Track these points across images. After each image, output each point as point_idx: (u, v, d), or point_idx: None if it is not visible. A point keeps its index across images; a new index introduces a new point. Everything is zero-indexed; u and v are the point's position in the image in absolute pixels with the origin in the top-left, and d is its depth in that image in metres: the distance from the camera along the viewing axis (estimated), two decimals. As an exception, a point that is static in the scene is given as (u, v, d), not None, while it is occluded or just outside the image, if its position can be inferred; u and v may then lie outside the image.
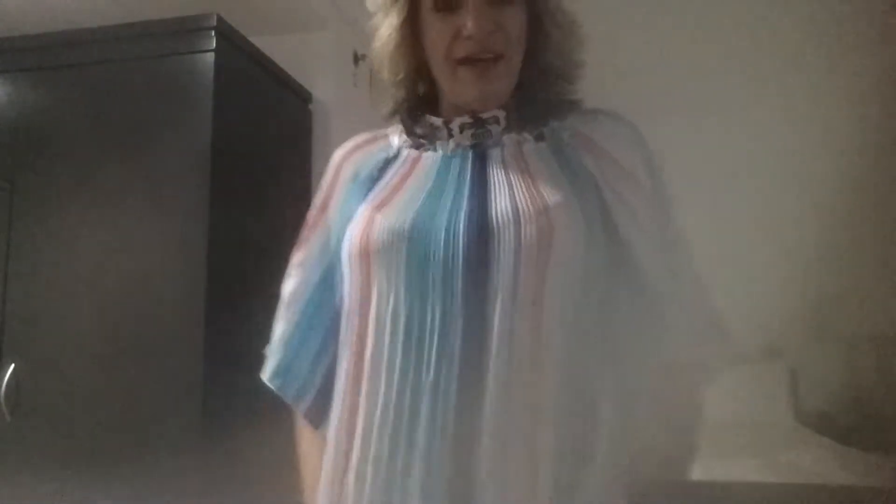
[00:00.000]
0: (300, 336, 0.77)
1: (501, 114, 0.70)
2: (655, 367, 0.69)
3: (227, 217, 1.50)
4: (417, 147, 0.74)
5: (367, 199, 0.70)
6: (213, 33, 1.49)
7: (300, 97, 1.98)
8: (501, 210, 0.63)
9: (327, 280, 0.75)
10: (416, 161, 0.72)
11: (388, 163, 0.74)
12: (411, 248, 0.63)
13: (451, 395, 0.59)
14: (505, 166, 0.68)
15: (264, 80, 1.78)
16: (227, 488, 1.45)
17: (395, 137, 0.77)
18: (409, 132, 0.75)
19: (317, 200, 0.80)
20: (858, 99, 2.76)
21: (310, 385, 0.77)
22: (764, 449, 2.33)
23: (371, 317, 0.64)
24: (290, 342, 0.78)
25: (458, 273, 0.61)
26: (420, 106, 0.75)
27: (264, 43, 1.76)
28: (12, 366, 1.46)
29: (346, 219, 0.70)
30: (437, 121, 0.72)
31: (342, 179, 0.77)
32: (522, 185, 0.65)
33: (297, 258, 0.81)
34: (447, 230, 0.62)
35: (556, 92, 0.72)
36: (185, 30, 1.52)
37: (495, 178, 0.66)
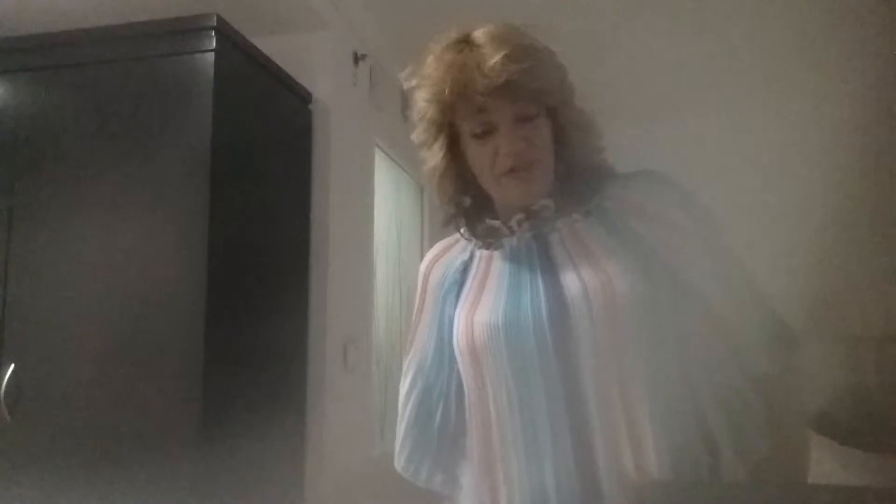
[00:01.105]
0: (419, 431, 0.91)
1: (549, 202, 0.80)
2: (750, 380, 0.76)
3: (227, 217, 1.50)
4: (487, 247, 0.86)
5: (460, 302, 0.84)
6: (213, 33, 1.49)
7: (300, 97, 1.98)
8: (572, 288, 0.74)
9: (435, 377, 0.89)
10: (489, 261, 0.85)
11: (466, 266, 0.87)
12: (508, 341, 0.75)
13: (565, 436, 0.73)
14: (565, 248, 0.79)
15: (264, 80, 1.78)
16: (227, 489, 1.45)
17: (465, 241, 0.90)
18: (475, 237, 0.87)
19: (416, 309, 0.94)
20: (858, 99, 2.76)
21: (436, 469, 0.90)
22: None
23: (490, 404, 0.78)
24: (411, 438, 0.92)
25: (550, 352, 0.74)
26: (476, 212, 0.87)
27: (264, 43, 1.76)
28: (12, 366, 1.46)
29: (443, 320, 0.86)
30: (496, 223, 0.84)
31: (431, 286, 0.91)
32: (584, 261, 0.76)
33: (407, 362, 0.94)
34: (533, 318, 0.75)
35: (587, 172, 0.83)
36: (185, 30, 1.52)
37: (560, 261, 0.78)
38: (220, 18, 1.51)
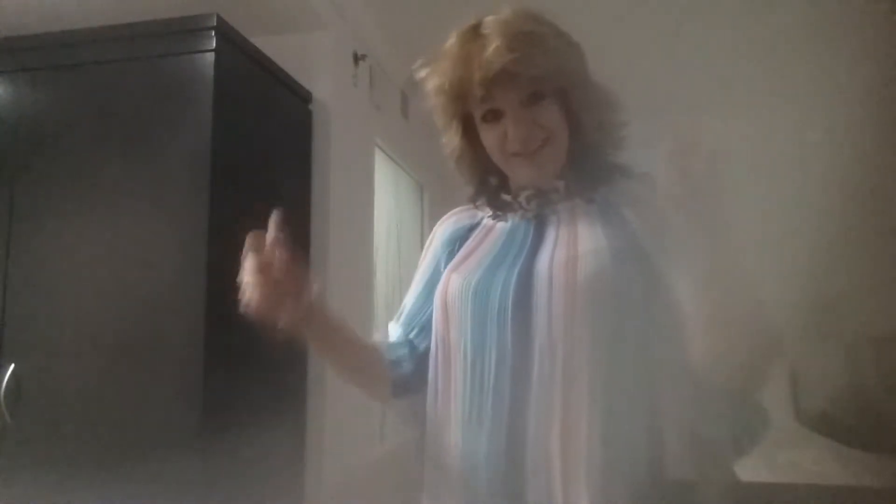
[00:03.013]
0: (406, 330, 0.94)
1: (560, 184, 0.83)
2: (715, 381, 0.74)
3: (227, 217, 1.50)
4: (494, 218, 0.89)
5: (451, 261, 0.87)
6: (213, 33, 1.49)
7: (300, 97, 1.98)
8: (541, 263, 0.76)
9: (425, 307, 0.92)
10: (490, 230, 0.88)
11: (471, 229, 0.91)
12: (474, 302, 0.78)
13: (505, 401, 0.74)
14: (557, 229, 0.81)
15: (264, 80, 1.78)
16: (227, 489, 1.45)
17: (478, 210, 0.93)
18: (494, 209, 0.90)
19: (420, 261, 0.98)
20: (859, 99, 2.76)
21: (406, 363, 0.91)
22: (763, 449, 2.32)
23: (451, 356, 0.81)
24: (403, 329, 0.95)
25: (507, 318, 0.75)
26: (497, 190, 0.90)
27: (264, 43, 1.76)
28: (12, 366, 1.46)
29: (434, 277, 0.90)
30: (507, 197, 0.87)
31: (435, 242, 0.96)
32: (564, 241, 0.78)
33: (413, 282, 0.98)
34: (502, 285, 0.77)
35: (603, 158, 0.84)
36: (185, 30, 1.51)
37: (548, 242, 0.80)
38: (220, 18, 1.51)
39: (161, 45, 1.53)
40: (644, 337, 0.72)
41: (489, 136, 0.81)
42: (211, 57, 1.48)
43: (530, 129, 0.77)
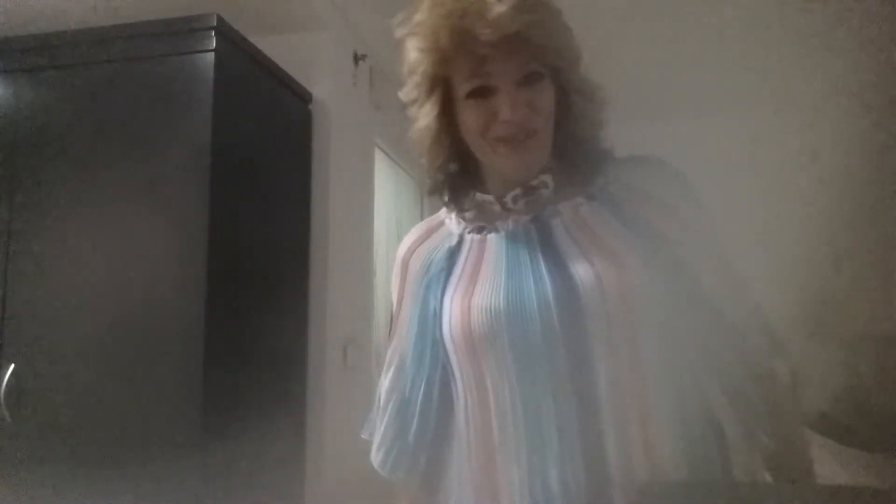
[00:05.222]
0: (400, 427, 0.83)
1: (548, 178, 0.74)
2: (749, 377, 0.73)
3: (227, 217, 1.50)
4: (479, 231, 0.77)
5: (449, 290, 0.74)
6: (213, 33, 1.49)
7: (300, 97, 1.98)
8: (583, 276, 0.67)
9: (412, 383, 0.81)
10: (482, 245, 0.76)
11: (453, 252, 0.78)
12: (511, 326, 0.67)
13: (575, 434, 0.65)
14: (569, 233, 0.72)
15: (264, 80, 1.78)
16: (227, 489, 1.45)
17: (452, 224, 0.82)
18: (461, 212, 0.79)
19: (395, 298, 0.85)
20: (859, 99, 2.76)
21: (415, 469, 0.82)
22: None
23: (491, 402, 0.70)
24: (391, 433, 0.84)
25: (557, 339, 0.66)
26: (464, 182, 0.79)
27: (264, 43, 1.76)
28: (12, 366, 1.46)
29: (425, 314, 0.77)
30: (489, 197, 0.76)
31: (411, 275, 0.82)
32: (595, 249, 0.69)
33: (389, 354, 0.86)
34: (539, 302, 0.67)
35: (587, 149, 0.76)
36: (185, 30, 1.51)
37: (565, 247, 0.71)
38: (220, 18, 1.51)
39: (161, 45, 1.53)
40: (700, 336, 0.71)
41: (474, 115, 0.69)
42: (211, 57, 1.48)
43: (526, 112, 0.68)
